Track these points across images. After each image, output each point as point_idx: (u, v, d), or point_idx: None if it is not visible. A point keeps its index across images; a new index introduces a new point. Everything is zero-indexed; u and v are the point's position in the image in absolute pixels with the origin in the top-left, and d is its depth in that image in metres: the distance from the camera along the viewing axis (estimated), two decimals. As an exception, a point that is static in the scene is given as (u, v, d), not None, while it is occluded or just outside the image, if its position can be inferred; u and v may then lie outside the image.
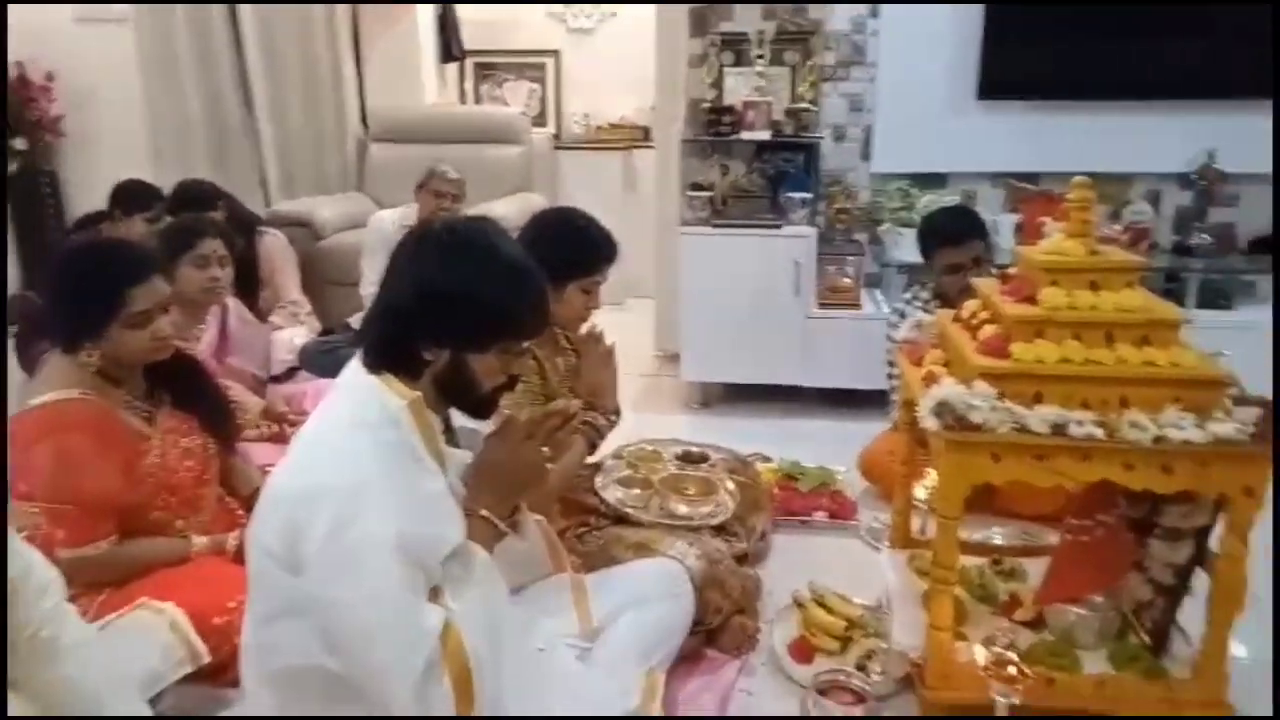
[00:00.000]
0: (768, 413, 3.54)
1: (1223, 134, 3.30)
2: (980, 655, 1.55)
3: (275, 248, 3.47)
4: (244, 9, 4.35)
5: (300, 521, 1.25)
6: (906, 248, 3.38)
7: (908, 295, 2.78)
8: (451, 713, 1.29)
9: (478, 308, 1.33)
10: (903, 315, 2.48)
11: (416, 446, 1.35)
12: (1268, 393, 1.49)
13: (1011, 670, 1.49)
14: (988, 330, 1.63)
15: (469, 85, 5.65)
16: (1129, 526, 1.76)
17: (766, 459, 2.92)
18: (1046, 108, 3.37)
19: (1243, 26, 3.20)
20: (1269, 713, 1.70)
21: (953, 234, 2.57)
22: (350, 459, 1.28)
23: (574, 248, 2.01)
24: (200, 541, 1.84)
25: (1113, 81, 3.29)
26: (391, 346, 1.37)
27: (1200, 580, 1.65)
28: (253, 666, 1.39)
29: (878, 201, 3.56)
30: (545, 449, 1.51)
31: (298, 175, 4.63)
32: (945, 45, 3.41)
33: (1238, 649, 1.70)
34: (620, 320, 3.35)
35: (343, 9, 4.69)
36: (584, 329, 2.16)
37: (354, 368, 1.40)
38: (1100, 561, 1.69)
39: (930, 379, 1.67)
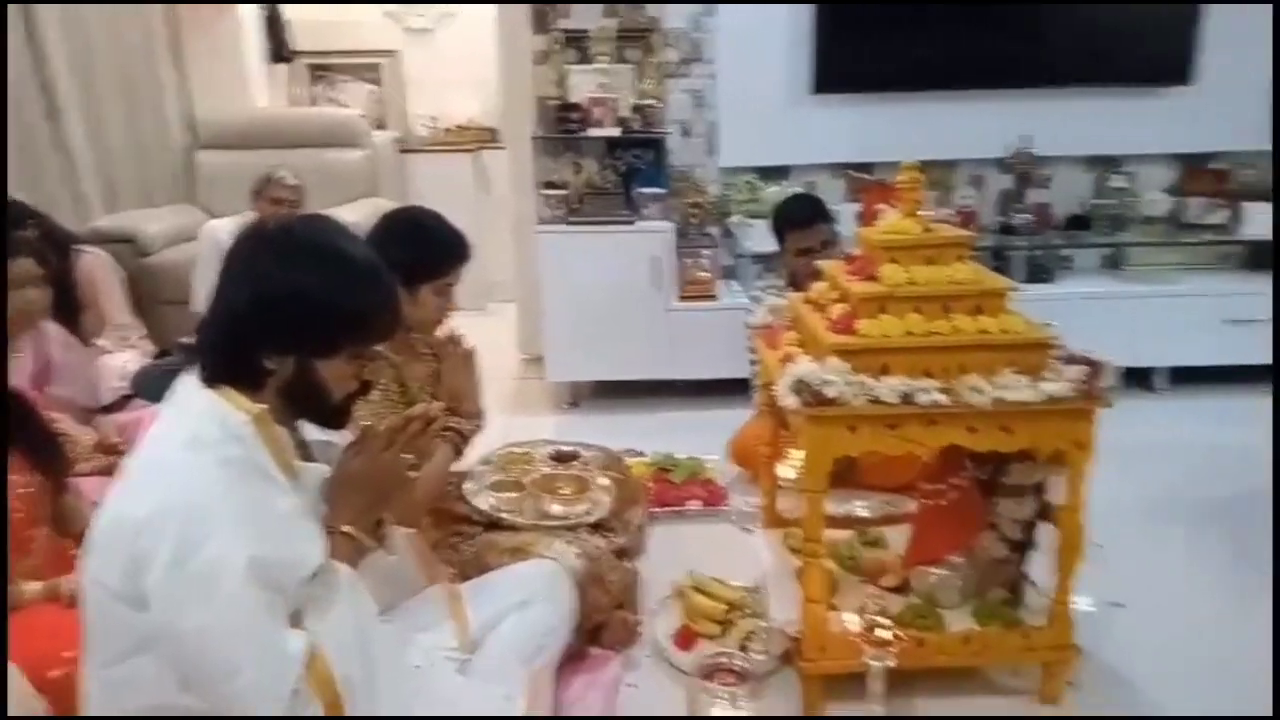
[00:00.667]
0: (637, 407, 3.56)
1: (1035, 120, 3.56)
2: (853, 623, 1.61)
3: (96, 266, 3.19)
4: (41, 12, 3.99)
5: (141, 551, 1.15)
6: (757, 238, 3.48)
7: (762, 284, 2.87)
8: None
9: (321, 309, 1.26)
10: (758, 302, 2.55)
11: (265, 463, 1.26)
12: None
13: (884, 634, 1.56)
14: (836, 309, 1.69)
15: (302, 88, 5.40)
16: (978, 489, 1.87)
17: (639, 454, 2.94)
18: (877, 99, 3.54)
19: (1053, 18, 3.47)
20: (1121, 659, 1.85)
21: (800, 219, 2.69)
22: (191, 479, 1.19)
23: (425, 248, 1.95)
24: (32, 588, 1.67)
25: (936, 73, 3.49)
26: (229, 357, 1.28)
27: (1046, 536, 1.78)
28: (99, 714, 1.27)
29: (727, 195, 3.64)
30: (407, 456, 1.45)
31: (120, 189, 4.28)
32: (780, 41, 3.52)
33: (1082, 599, 1.83)
34: (482, 324, 3.30)
35: (157, 9, 4.37)
36: (441, 332, 2.10)
37: (188, 384, 1.31)
38: (955, 522, 1.79)
39: (787, 359, 1.73)
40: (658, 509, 2.59)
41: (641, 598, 2.15)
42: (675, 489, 2.68)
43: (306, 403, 1.33)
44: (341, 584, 1.33)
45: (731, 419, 2.97)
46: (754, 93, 3.58)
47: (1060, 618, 1.71)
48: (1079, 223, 3.64)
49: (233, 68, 4.91)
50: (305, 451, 1.42)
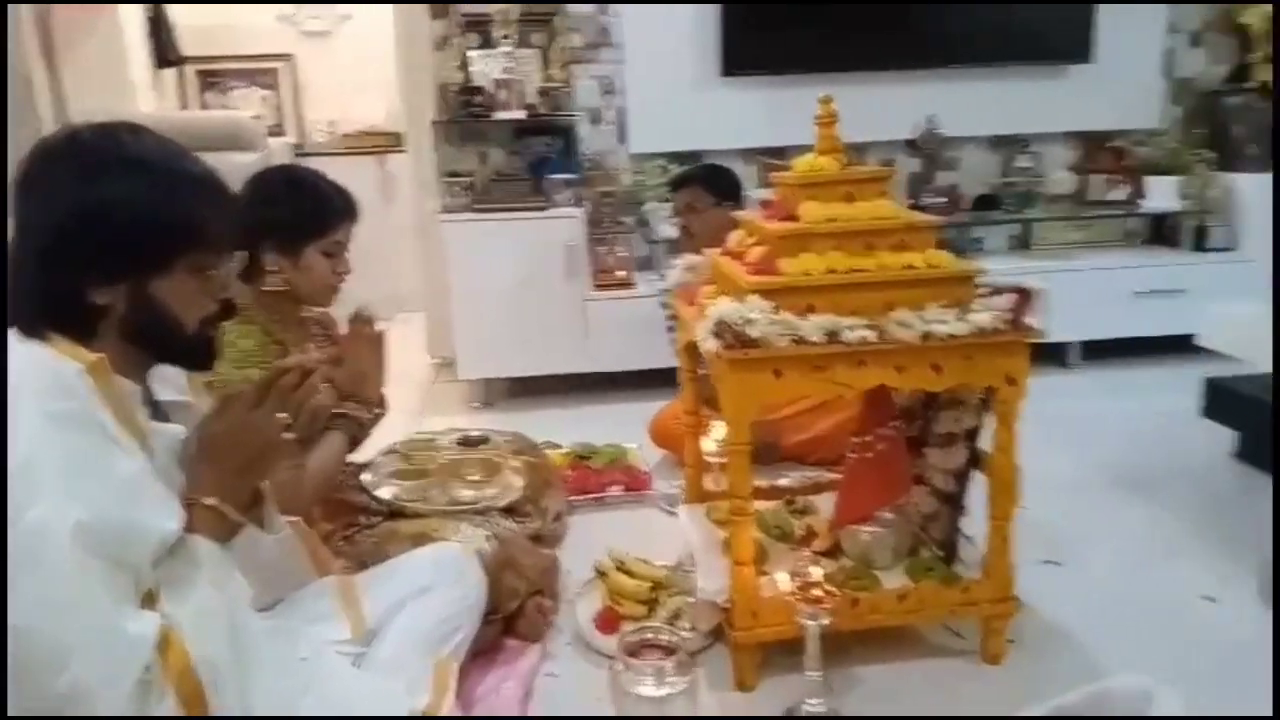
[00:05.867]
0: (553, 403, 3.42)
1: (942, 101, 3.58)
2: (785, 583, 1.49)
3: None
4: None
5: None
6: (671, 225, 3.39)
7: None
8: None
9: (138, 219, 1.07)
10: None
11: (103, 420, 1.06)
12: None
13: (818, 593, 1.45)
14: (754, 252, 1.59)
15: (192, 94, 5.13)
16: (907, 445, 1.79)
17: (556, 445, 2.79)
18: (787, 82, 3.49)
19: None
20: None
21: (673, 182, 2.86)
22: (9, 433, 1.00)
23: (301, 203, 1.76)
24: None
25: (845, 53, 3.48)
26: (48, 299, 1.08)
27: (977, 491, 1.70)
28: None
29: (640, 180, 3.55)
30: (282, 416, 1.26)
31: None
32: (687, 24, 3.47)
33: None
34: (389, 335, 3.10)
35: (26, 10, 4.08)
36: (343, 308, 1.91)
37: (10, 339, 1.11)
38: (885, 475, 1.70)
39: (705, 313, 1.61)
40: (577, 497, 2.44)
41: (562, 586, 2.00)
42: (595, 475, 2.54)
43: (156, 338, 1.13)
44: (204, 562, 1.14)
45: (652, 411, 2.84)
46: (663, 77, 3.51)
47: (998, 568, 1.63)
48: (987, 202, 3.67)
49: (115, 72, 4.62)
50: (157, 412, 1.23)
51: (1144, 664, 1.60)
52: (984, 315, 1.46)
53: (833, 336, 1.44)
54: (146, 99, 4.78)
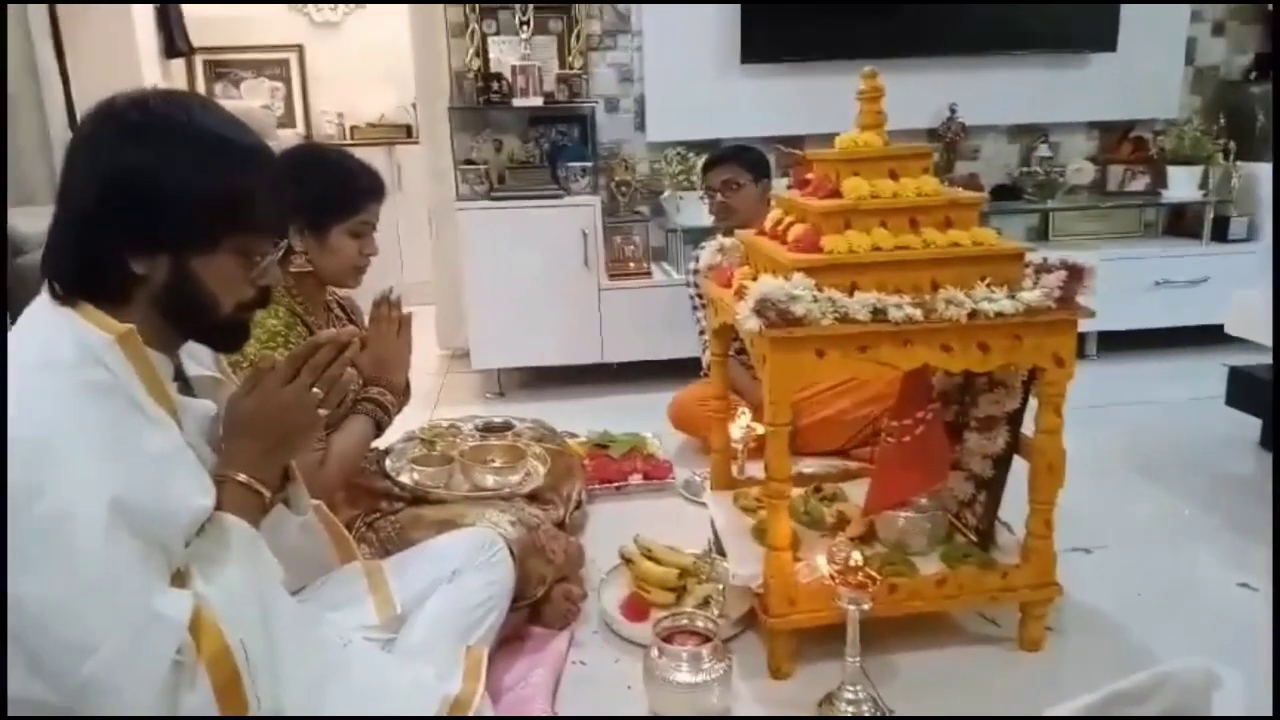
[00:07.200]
0: (569, 394, 3.38)
1: (963, 90, 3.55)
2: (824, 567, 1.46)
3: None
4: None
5: None
6: (689, 213, 3.35)
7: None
8: None
9: (187, 193, 1.03)
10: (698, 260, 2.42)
11: (134, 392, 1.02)
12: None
13: (860, 577, 1.41)
14: (795, 230, 1.55)
15: (200, 85, 5.10)
16: (946, 430, 1.75)
17: (573, 435, 2.75)
18: (807, 70, 3.47)
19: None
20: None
21: (708, 161, 2.78)
22: (39, 406, 0.95)
23: (328, 183, 1.73)
24: None
25: (865, 40, 3.43)
26: (85, 265, 1.04)
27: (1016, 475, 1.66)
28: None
29: (657, 168, 3.51)
30: (316, 392, 1.22)
31: (-8, 184, 3.91)
32: (708, 10, 3.42)
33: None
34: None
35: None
36: (369, 292, 1.88)
37: (39, 304, 1.07)
38: (922, 459, 1.66)
39: (742, 293, 1.57)
40: (597, 486, 2.41)
41: (585, 574, 1.96)
42: (614, 464, 2.50)
43: (189, 315, 1.10)
44: (236, 540, 1.10)
45: (666, 403, 2.79)
46: (682, 64, 3.47)
47: (1039, 553, 1.59)
48: (1006, 192, 3.62)
49: (125, 62, 4.58)
50: (187, 387, 1.20)
51: (1189, 652, 1.58)
52: (1034, 293, 1.42)
53: (878, 315, 1.40)
54: (155, 89, 4.74)
